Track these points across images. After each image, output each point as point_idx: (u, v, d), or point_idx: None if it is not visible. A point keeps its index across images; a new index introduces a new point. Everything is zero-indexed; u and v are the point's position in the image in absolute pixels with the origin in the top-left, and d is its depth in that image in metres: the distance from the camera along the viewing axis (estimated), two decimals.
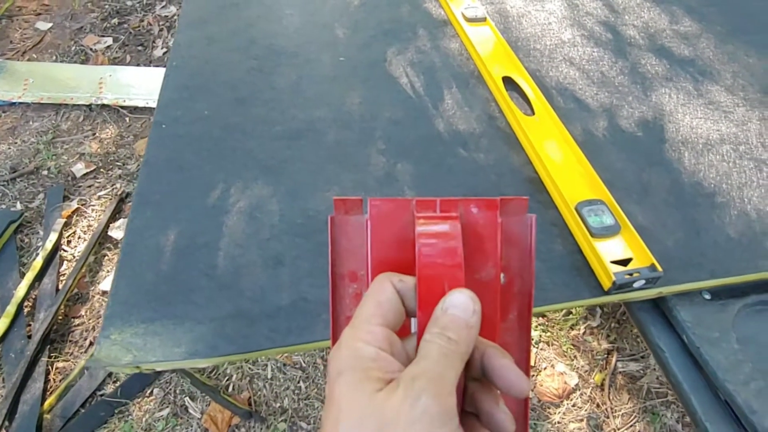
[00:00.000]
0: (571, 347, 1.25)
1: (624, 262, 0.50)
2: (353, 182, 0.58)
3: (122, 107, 1.70)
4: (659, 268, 0.48)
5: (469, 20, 0.78)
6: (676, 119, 0.66)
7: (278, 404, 1.11)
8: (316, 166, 0.60)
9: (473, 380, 0.26)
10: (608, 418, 1.15)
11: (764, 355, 0.48)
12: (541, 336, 1.27)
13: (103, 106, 1.71)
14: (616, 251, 0.50)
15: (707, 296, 0.52)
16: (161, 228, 0.55)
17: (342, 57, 0.75)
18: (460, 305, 0.24)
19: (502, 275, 0.28)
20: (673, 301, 0.51)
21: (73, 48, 1.92)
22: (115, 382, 1.13)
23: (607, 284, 0.49)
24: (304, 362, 1.18)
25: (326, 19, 0.82)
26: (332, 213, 0.29)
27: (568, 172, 0.58)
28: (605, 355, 1.25)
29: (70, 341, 1.21)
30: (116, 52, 1.90)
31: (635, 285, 0.48)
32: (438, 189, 0.58)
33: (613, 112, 0.67)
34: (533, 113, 0.65)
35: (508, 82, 0.69)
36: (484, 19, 0.78)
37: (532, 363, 1.23)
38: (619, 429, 1.13)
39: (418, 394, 0.22)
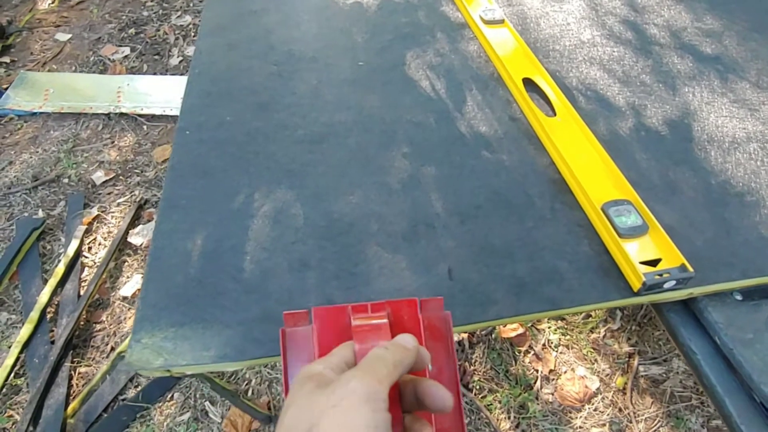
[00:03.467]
0: (592, 350, 1.24)
1: (653, 263, 0.49)
2: (376, 185, 0.59)
3: (140, 115, 1.73)
4: (690, 269, 0.48)
5: (487, 22, 0.78)
6: (701, 117, 0.65)
7: None
8: (338, 169, 0.61)
9: (408, 413, 0.31)
10: (631, 422, 1.13)
11: None
12: (560, 339, 1.26)
13: (122, 114, 1.74)
14: (644, 252, 0.50)
15: (738, 297, 0.51)
16: (188, 232, 0.55)
17: (361, 61, 0.76)
18: (402, 338, 0.31)
19: (429, 364, 0.32)
20: (704, 302, 0.50)
21: (92, 58, 1.96)
22: (136, 386, 1.14)
23: (636, 285, 0.48)
24: None
25: (344, 24, 0.83)
26: (284, 325, 0.36)
27: (592, 173, 0.57)
28: (627, 359, 1.23)
29: (92, 346, 1.22)
30: (133, 61, 1.93)
31: (665, 286, 0.48)
32: (461, 191, 0.58)
33: (637, 111, 0.66)
34: (555, 114, 0.65)
35: (528, 83, 0.69)
36: (502, 21, 0.78)
37: (552, 367, 1.22)
38: None
39: (349, 379, 0.26)
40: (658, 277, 0.47)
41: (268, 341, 0.46)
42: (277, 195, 0.58)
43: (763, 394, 0.45)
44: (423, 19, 0.83)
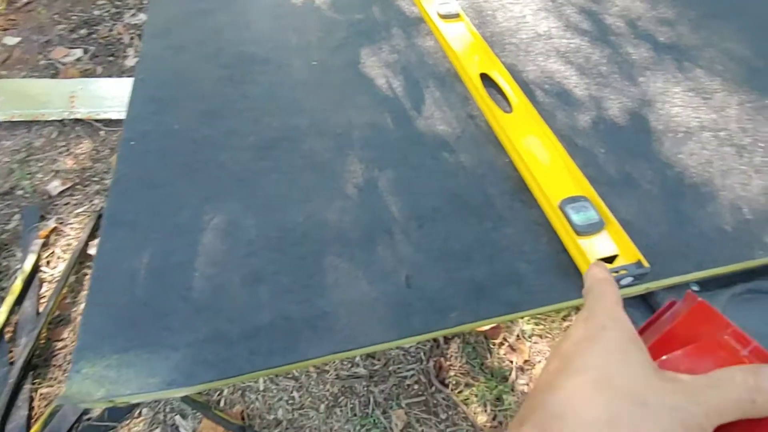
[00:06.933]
0: None
1: (610, 260, 0.49)
2: (331, 191, 0.57)
3: (96, 121, 1.66)
4: (646, 264, 0.47)
5: (443, 17, 0.76)
6: (656, 108, 0.66)
7: (272, 416, 1.10)
8: (292, 176, 0.58)
9: None
10: None
11: None
12: (534, 329, 1.27)
13: (77, 120, 1.67)
14: (601, 248, 0.49)
15: (695, 288, 0.51)
16: (134, 250, 0.52)
17: (315, 61, 0.73)
18: None
19: None
20: (661, 295, 0.51)
21: (42, 62, 1.87)
22: None
23: None
24: (297, 371, 1.17)
25: (297, 22, 0.80)
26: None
27: (549, 169, 0.56)
28: None
29: (54, 365, 1.18)
30: (87, 63, 1.85)
31: (622, 282, 0.48)
32: (419, 193, 0.56)
33: (594, 104, 0.66)
34: (512, 110, 0.64)
35: (486, 79, 0.68)
36: (457, 15, 0.77)
37: (526, 357, 1.23)
38: None
39: (697, 409, 0.22)
40: (614, 274, 0.47)
41: (220, 362, 0.44)
42: (227, 206, 0.56)
43: None
44: (378, 14, 0.81)
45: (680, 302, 0.31)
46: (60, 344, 1.21)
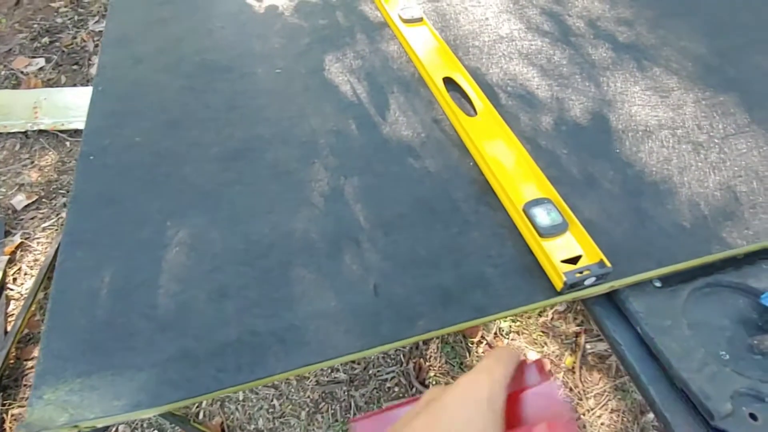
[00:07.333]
0: (541, 334, 1.27)
1: (574, 260, 0.50)
2: (296, 201, 0.56)
3: (61, 131, 1.62)
4: (608, 264, 0.48)
5: (406, 21, 0.77)
6: (616, 107, 0.67)
7: (252, 426, 1.08)
8: (256, 187, 0.58)
9: None
10: (582, 399, 1.17)
11: (714, 337, 0.49)
12: (511, 326, 1.28)
13: (41, 131, 1.62)
14: (565, 250, 0.50)
15: (658, 284, 0.53)
16: (94, 269, 0.51)
17: (278, 68, 0.73)
18: None
19: None
20: (625, 293, 0.51)
21: (3, 72, 1.81)
22: None
23: (559, 284, 0.48)
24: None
25: (259, 29, 0.79)
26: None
27: (513, 172, 0.57)
28: (574, 338, 1.27)
29: (25, 385, 1.14)
30: (50, 73, 1.80)
31: (586, 283, 0.48)
32: (385, 201, 0.56)
33: (555, 105, 0.67)
34: (476, 113, 0.64)
35: (450, 82, 0.68)
36: (420, 20, 0.77)
37: None
38: (592, 409, 1.16)
39: None
40: (578, 274, 0.48)
41: (185, 382, 0.43)
42: (191, 220, 0.55)
43: (682, 380, 0.46)
44: (342, 19, 0.81)
45: (531, 367, 0.35)
46: (30, 363, 1.17)
